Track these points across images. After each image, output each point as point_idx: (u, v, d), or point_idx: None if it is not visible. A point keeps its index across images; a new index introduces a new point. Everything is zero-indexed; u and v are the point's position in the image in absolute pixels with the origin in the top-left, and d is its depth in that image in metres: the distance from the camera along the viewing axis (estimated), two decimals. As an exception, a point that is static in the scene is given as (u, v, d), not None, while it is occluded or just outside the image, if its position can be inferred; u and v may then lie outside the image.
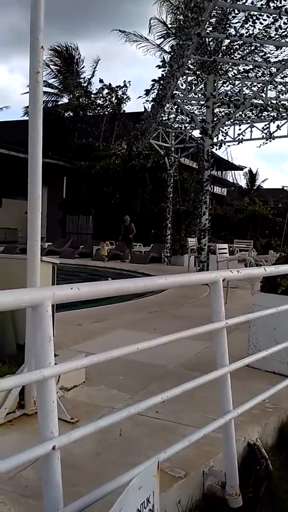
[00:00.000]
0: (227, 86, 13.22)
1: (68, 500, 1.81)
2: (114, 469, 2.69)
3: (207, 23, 9.52)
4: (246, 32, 9.80)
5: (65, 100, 31.74)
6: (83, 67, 31.99)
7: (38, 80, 3.17)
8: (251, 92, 12.54)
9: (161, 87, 12.59)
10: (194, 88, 13.18)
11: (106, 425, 1.92)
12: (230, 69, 12.80)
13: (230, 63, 12.33)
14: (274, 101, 12.98)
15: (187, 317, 7.27)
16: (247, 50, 11.73)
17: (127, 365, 4.15)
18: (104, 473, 2.67)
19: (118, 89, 30.04)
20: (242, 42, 10.69)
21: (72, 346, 4.85)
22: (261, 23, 9.19)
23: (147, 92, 12.85)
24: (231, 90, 13.15)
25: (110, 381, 4.05)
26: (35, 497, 2.35)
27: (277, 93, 13.28)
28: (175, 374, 4.40)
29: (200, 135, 12.91)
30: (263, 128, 15.06)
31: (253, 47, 11.51)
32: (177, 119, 16.93)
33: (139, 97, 14.01)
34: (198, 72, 12.31)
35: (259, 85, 12.73)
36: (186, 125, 17.35)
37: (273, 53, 11.18)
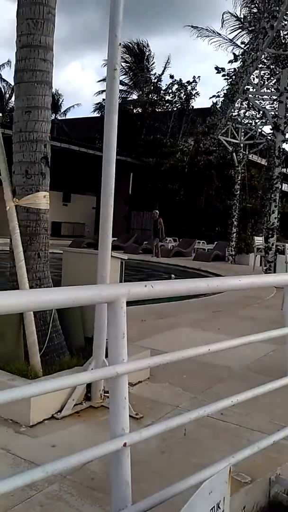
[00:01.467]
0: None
1: (133, 496, 1.81)
2: (178, 468, 2.67)
3: (284, 15, 9.20)
4: None
5: (134, 96, 32.03)
6: (153, 63, 32.10)
7: (115, 76, 3.19)
8: None
9: (232, 82, 12.36)
10: (267, 82, 12.82)
11: (176, 426, 1.91)
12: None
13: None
14: None
15: (252, 318, 7.10)
16: None
17: (191, 364, 4.10)
18: (168, 472, 2.66)
19: (187, 84, 29.85)
20: None
21: (136, 342, 4.88)
22: None
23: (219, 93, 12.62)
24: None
25: (174, 379, 4.03)
26: (101, 490, 2.38)
27: None
28: (240, 376, 4.31)
29: (271, 131, 12.54)
30: None
31: None
32: (247, 115, 16.55)
33: (212, 96, 13.86)
34: (272, 66, 11.95)
35: None
36: (257, 120, 16.93)
37: None
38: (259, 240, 16.14)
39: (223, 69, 11.60)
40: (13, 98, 37.52)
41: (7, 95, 38.83)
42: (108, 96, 3.23)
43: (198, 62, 69.68)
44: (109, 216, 3.36)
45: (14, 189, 3.91)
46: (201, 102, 43.26)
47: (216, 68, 12.04)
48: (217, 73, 11.71)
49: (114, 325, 1.75)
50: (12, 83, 37.20)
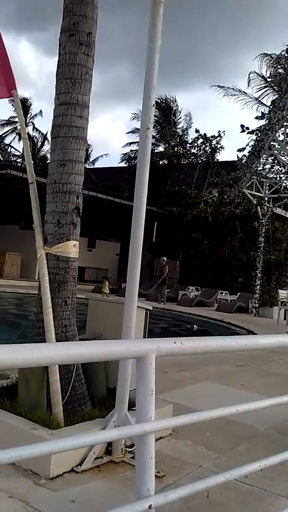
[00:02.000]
0: None
1: None
2: (200, 533, 2.57)
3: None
4: None
5: (160, 148, 32.95)
6: (179, 118, 33.19)
7: (147, 135, 3.33)
8: None
9: (258, 138, 12.65)
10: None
11: (202, 489, 1.86)
12: None
13: None
14: None
15: (277, 374, 6.92)
16: None
17: (214, 421, 3.99)
18: (190, 537, 2.56)
19: (212, 138, 30.62)
20: None
21: (158, 395, 4.79)
22: None
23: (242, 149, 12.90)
24: None
25: (197, 437, 3.93)
26: None
27: None
28: (265, 437, 4.17)
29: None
30: None
31: None
32: (272, 169, 16.79)
33: (238, 150, 14.15)
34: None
35: None
36: (282, 175, 17.13)
37: None
38: (283, 294, 15.93)
39: (247, 128, 11.93)
40: (44, 147, 39.06)
41: (39, 144, 40.44)
42: (140, 154, 3.36)
43: (223, 116, 71.74)
44: (137, 266, 3.41)
45: (45, 237, 4.02)
46: (226, 155, 44.15)
47: (242, 126, 12.39)
48: (241, 131, 12.06)
49: (142, 381, 1.75)
50: (44, 132, 38.83)
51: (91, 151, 37.33)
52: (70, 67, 4.00)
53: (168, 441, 3.77)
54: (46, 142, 39.26)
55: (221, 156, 31.11)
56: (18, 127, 39.64)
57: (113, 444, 3.37)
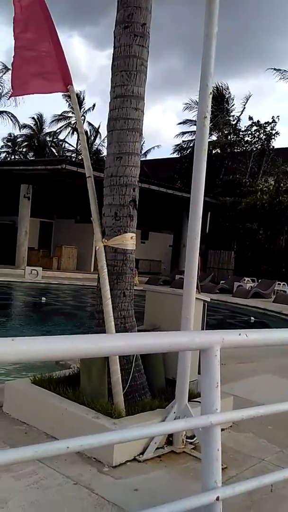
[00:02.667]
0: None
1: None
2: (265, 527, 2.53)
3: None
4: None
5: (213, 137, 32.46)
6: (233, 105, 32.50)
7: (205, 124, 3.28)
8: None
9: None
10: None
11: (269, 483, 1.82)
12: None
13: None
14: None
15: None
16: None
17: (276, 415, 3.92)
18: (255, 531, 2.53)
19: (266, 125, 29.78)
20: None
21: (217, 386, 4.76)
22: None
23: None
24: None
25: (258, 430, 3.87)
26: None
27: None
28: None
29: None
30: None
31: None
32: None
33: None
34: None
35: None
36: None
37: None
38: None
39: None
40: (97, 141, 39.56)
41: (92, 138, 40.97)
42: (197, 143, 3.32)
43: (279, 101, 69.45)
44: (195, 258, 3.38)
45: (103, 230, 4.07)
46: (282, 141, 42.83)
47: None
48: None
49: (207, 373, 1.74)
50: (96, 126, 39.30)
51: (143, 143, 37.40)
52: (125, 59, 4.01)
53: (229, 433, 3.73)
54: (98, 136, 39.77)
55: (277, 143, 30.21)
56: (72, 122, 40.42)
57: (174, 435, 3.38)
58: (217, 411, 1.69)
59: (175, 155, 34.26)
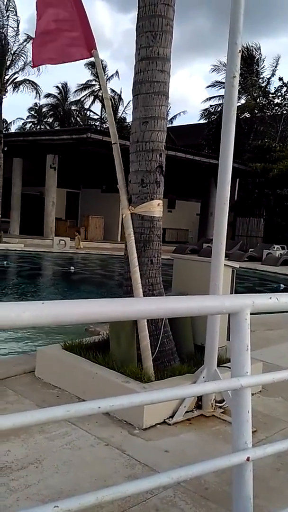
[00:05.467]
0: None
1: None
2: (294, 488, 2.56)
3: None
4: None
5: (242, 101, 31.50)
6: (263, 67, 31.30)
7: (233, 84, 3.17)
8: None
9: None
10: None
11: (300, 445, 1.82)
12: None
13: None
14: None
15: None
16: None
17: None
18: (285, 490, 2.56)
19: (297, 86, 28.69)
20: None
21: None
22: None
23: None
24: None
25: (288, 394, 3.87)
26: (215, 501, 2.36)
27: None
28: None
29: None
30: None
31: None
32: None
33: None
34: None
35: None
36: None
37: None
38: None
39: None
40: (120, 108, 38.99)
41: (116, 105, 40.39)
42: (226, 105, 3.22)
43: (310, 62, 66.49)
44: (224, 224, 3.33)
45: (130, 197, 4.04)
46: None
47: None
48: None
49: (237, 337, 1.73)
50: (119, 93, 38.65)
51: (169, 109, 36.67)
52: (150, 19, 3.87)
53: (258, 398, 3.75)
54: (121, 103, 39.14)
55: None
56: (96, 90, 39.87)
57: (203, 399, 3.42)
58: (248, 374, 1.69)
59: (202, 121, 33.49)
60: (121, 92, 38.68)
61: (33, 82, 21.59)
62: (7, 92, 19.47)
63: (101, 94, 42.36)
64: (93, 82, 41.39)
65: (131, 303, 1.61)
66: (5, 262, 14.91)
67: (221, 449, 2.84)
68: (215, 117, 30.74)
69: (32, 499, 2.30)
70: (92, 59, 4.28)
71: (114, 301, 1.42)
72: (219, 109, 30.09)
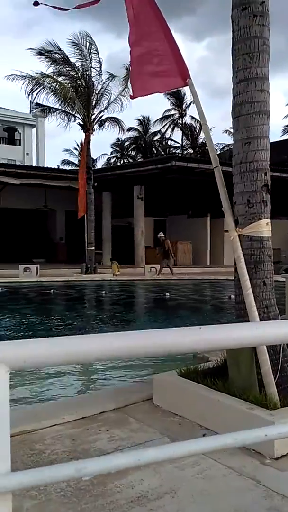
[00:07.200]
0: None
1: None
2: None
3: None
4: None
5: None
6: None
7: None
8: None
9: None
10: None
11: None
12: None
13: None
14: None
15: None
16: None
17: None
18: None
19: None
20: None
21: None
22: None
23: None
24: None
25: None
26: None
27: None
28: None
29: None
30: None
31: None
32: None
33: None
34: None
35: None
36: None
37: None
38: None
39: None
40: (201, 135, 39.34)
41: (196, 132, 40.88)
42: None
43: None
44: None
45: (236, 219, 4.00)
46: None
47: None
48: None
49: None
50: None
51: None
52: (246, 42, 3.89)
53: None
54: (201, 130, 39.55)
55: None
56: (175, 119, 40.70)
57: None
58: None
59: (285, 137, 32.78)
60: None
61: (116, 118, 22.54)
62: (94, 130, 20.46)
63: (180, 122, 43.21)
64: (172, 112, 42.26)
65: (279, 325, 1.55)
66: (103, 292, 15.39)
67: None
68: (299, 132, 29.97)
69: (175, 530, 2.27)
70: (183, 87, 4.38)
71: (240, 326, 1.38)
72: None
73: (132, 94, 4.58)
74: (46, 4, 4.95)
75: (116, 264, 19.28)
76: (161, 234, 21.18)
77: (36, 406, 4.48)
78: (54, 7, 5.21)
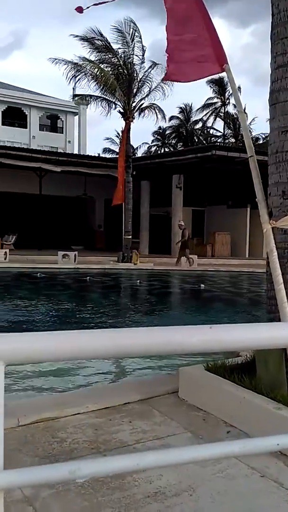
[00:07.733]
0: None
1: None
2: None
3: None
4: None
5: None
6: None
7: None
8: None
9: None
10: None
11: None
12: None
13: None
14: None
15: None
16: None
17: None
18: None
19: None
20: None
21: None
22: None
23: None
24: None
25: None
26: None
27: None
28: None
29: None
30: None
31: None
32: None
33: None
34: None
35: None
36: None
37: None
38: None
39: None
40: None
41: (238, 121, 39.99)
42: None
43: None
44: None
45: (270, 211, 3.85)
46: None
47: None
48: None
49: None
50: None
51: None
52: (285, 25, 3.70)
53: None
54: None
55: None
56: (217, 108, 40.01)
57: None
58: None
59: None
60: (244, 108, 38.30)
61: (158, 106, 22.33)
62: (134, 118, 20.38)
63: (222, 111, 42.44)
64: (214, 100, 41.57)
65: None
66: (138, 281, 15.41)
67: None
68: None
69: (190, 530, 2.21)
70: (222, 74, 4.23)
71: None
72: None
73: (165, 77, 4.48)
74: (88, 7, 4.88)
75: (136, 253, 19.34)
76: (181, 222, 20.71)
77: (60, 394, 4.50)
78: (95, 4, 5.13)
